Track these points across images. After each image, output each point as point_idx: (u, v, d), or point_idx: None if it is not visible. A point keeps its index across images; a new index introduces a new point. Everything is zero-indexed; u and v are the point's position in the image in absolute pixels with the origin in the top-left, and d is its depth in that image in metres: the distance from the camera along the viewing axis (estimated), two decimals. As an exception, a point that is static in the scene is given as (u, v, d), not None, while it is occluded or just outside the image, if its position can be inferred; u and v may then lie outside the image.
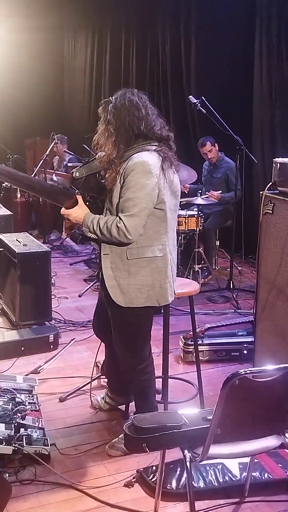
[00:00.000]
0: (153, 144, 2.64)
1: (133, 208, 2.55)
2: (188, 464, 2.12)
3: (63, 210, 2.77)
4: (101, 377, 3.69)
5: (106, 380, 3.48)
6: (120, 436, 2.96)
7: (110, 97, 2.70)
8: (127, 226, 2.54)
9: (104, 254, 2.72)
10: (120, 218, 2.56)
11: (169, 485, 2.63)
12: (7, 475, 2.67)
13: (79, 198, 2.76)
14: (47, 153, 6.80)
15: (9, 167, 2.80)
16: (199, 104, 5.36)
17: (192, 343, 3.91)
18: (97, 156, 2.72)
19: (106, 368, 3.37)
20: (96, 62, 9.33)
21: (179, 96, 7.19)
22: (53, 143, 6.88)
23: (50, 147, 6.89)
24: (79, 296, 5.42)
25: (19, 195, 7.38)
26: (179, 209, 3.21)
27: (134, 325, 2.81)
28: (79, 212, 2.73)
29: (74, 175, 2.76)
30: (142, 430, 2.15)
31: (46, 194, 3.00)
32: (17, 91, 10.13)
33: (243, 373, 1.98)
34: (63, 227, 7.77)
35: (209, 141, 6.07)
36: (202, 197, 5.73)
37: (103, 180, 2.72)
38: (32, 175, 7.38)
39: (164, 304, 2.81)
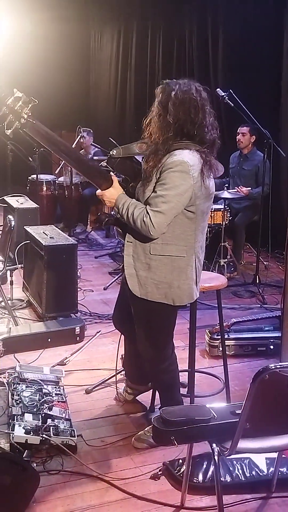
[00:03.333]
0: (196, 145, 2.57)
1: (162, 205, 2.51)
2: (216, 458, 2.11)
3: (98, 191, 2.75)
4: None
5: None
6: (146, 429, 2.97)
7: (170, 80, 2.62)
8: (152, 221, 2.51)
9: (127, 242, 2.72)
10: (147, 212, 2.54)
11: (195, 478, 2.63)
12: (34, 464, 2.70)
13: (115, 179, 2.74)
14: (73, 146, 6.80)
15: (47, 128, 2.66)
16: (226, 97, 5.31)
17: (218, 337, 3.89)
18: (141, 140, 2.67)
19: (125, 359, 3.36)
20: (122, 55, 9.31)
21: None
22: (79, 136, 6.89)
23: (76, 140, 6.90)
24: (104, 289, 5.44)
25: (45, 188, 7.42)
26: None
27: (151, 319, 2.78)
28: (113, 192, 2.70)
29: (111, 153, 2.73)
30: (171, 423, 2.15)
31: (81, 167, 2.82)
32: (43, 84, 10.14)
33: (273, 367, 1.96)
34: (88, 220, 7.82)
35: (249, 127, 5.98)
36: (229, 191, 5.67)
37: (139, 167, 2.69)
38: (58, 169, 7.44)
39: (178, 305, 2.74)
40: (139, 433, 3.01)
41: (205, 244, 2.82)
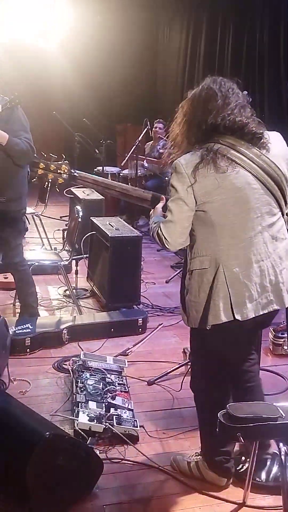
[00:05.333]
0: (223, 140, 2.32)
1: (168, 214, 2.36)
2: (283, 458, 2.08)
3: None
4: (189, 363, 3.69)
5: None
6: (190, 455, 2.78)
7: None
8: (163, 232, 2.34)
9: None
10: (159, 224, 2.40)
11: (258, 477, 2.59)
12: (97, 452, 2.74)
13: (162, 201, 2.63)
14: (139, 139, 6.84)
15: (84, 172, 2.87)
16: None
17: (283, 335, 3.83)
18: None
19: None
20: (191, 47, 9.22)
21: (276, 83, 6.98)
22: (146, 128, 6.90)
23: (143, 133, 6.92)
24: (166, 282, 5.44)
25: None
26: None
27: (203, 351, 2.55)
28: (151, 213, 2.63)
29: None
30: (237, 419, 2.13)
31: (133, 199, 2.84)
32: (110, 76, 10.24)
33: None
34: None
35: None
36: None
37: None
38: (124, 162, 7.47)
39: (214, 324, 2.31)
40: (180, 457, 2.79)
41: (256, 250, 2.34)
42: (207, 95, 2.34)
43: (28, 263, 4.36)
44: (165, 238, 2.33)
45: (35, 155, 2.79)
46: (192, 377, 2.67)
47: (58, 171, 2.75)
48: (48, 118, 8.23)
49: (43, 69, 9.35)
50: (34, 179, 2.74)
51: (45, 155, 2.77)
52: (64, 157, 2.77)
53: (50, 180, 2.75)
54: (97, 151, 7.15)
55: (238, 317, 2.29)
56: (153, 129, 7.25)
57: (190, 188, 2.27)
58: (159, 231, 2.35)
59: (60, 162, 2.76)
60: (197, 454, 2.70)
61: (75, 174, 2.78)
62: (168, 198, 2.39)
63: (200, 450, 2.67)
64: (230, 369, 2.58)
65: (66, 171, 2.75)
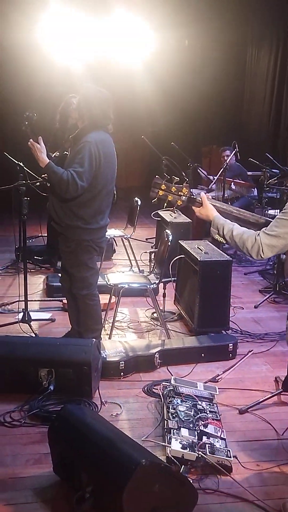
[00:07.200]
0: None
1: (275, 228, 2.49)
2: None
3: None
4: (282, 393, 3.59)
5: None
6: None
7: None
8: (262, 243, 2.47)
9: None
10: (258, 234, 2.50)
11: None
12: (191, 481, 2.70)
13: (203, 198, 2.75)
14: (227, 161, 6.81)
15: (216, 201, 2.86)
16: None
17: None
18: None
19: None
20: (280, 68, 9.14)
21: None
22: (234, 151, 6.86)
23: (231, 155, 6.88)
24: (255, 307, 5.34)
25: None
26: None
27: None
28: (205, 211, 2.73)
29: None
30: None
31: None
32: (197, 99, 10.32)
33: None
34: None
35: None
36: None
37: None
38: (211, 185, 7.46)
39: None
40: None
41: None
42: None
43: (119, 285, 4.43)
44: (262, 249, 2.45)
45: (157, 176, 2.77)
46: None
47: (179, 193, 2.74)
48: (134, 142, 8.44)
49: (129, 92, 9.59)
50: (154, 200, 2.76)
51: (168, 177, 2.77)
52: (187, 179, 2.78)
53: (168, 201, 2.75)
54: (184, 174, 7.18)
55: None
56: (222, 157, 7.33)
57: None
58: (257, 238, 2.47)
59: (181, 186, 2.75)
60: None
61: (194, 197, 2.77)
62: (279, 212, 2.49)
63: None
64: None
65: (186, 193, 2.75)
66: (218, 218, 2.71)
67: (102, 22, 8.78)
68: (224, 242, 2.66)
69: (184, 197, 2.74)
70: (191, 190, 2.80)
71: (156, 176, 2.76)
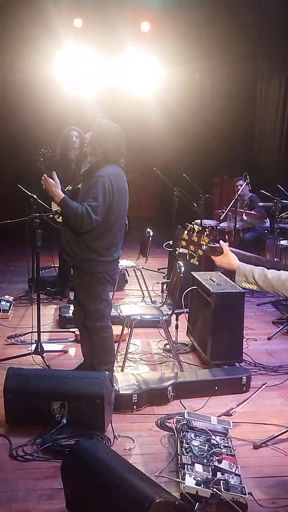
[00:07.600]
0: None
1: None
2: None
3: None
4: (297, 428, 3.54)
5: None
6: None
7: None
8: None
9: None
10: None
11: None
12: (205, 519, 2.66)
13: (224, 246, 2.76)
14: (239, 192, 6.85)
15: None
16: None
17: None
18: None
19: None
20: (290, 102, 9.25)
21: None
22: (245, 182, 6.91)
23: (243, 186, 6.93)
24: (268, 339, 5.30)
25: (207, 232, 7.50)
26: None
27: None
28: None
29: None
30: None
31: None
32: (209, 131, 10.45)
33: None
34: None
35: None
36: None
37: None
38: (223, 216, 7.50)
39: None
40: None
41: None
42: None
43: (131, 317, 4.43)
44: None
45: (179, 227, 2.82)
46: None
47: (201, 242, 2.75)
48: (146, 173, 8.50)
49: (142, 125, 9.74)
50: (177, 249, 2.81)
51: (190, 225, 2.78)
52: (207, 229, 2.79)
53: (190, 253, 2.77)
54: (196, 205, 7.22)
55: None
56: (235, 187, 7.39)
57: None
58: None
59: (201, 233, 2.77)
60: None
61: (215, 246, 2.78)
62: None
63: None
64: None
65: (207, 242, 2.77)
66: (244, 265, 2.72)
67: (115, 59, 9.02)
68: (255, 288, 2.66)
69: (204, 246, 2.75)
70: (208, 230, 2.80)
71: (179, 227, 2.79)
